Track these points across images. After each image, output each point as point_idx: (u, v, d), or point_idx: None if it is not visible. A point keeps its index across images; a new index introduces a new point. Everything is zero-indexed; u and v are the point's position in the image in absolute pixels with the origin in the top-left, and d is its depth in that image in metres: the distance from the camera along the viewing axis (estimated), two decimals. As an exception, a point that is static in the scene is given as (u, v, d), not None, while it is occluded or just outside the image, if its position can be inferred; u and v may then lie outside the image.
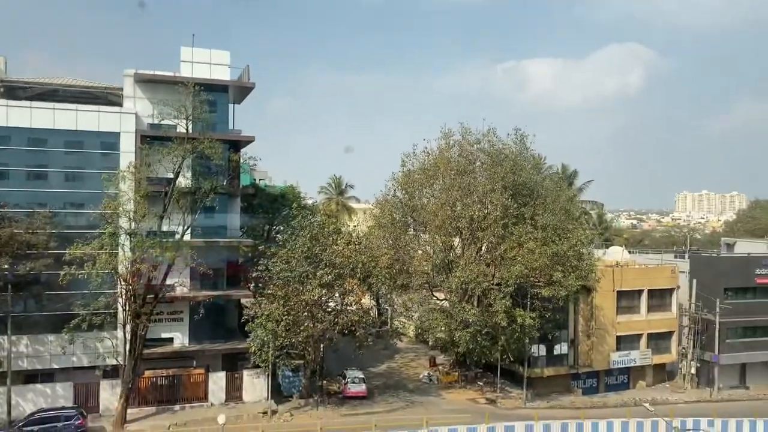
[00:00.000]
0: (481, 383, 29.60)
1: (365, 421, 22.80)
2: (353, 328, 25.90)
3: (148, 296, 22.12)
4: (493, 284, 26.15)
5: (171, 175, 22.58)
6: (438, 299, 28.32)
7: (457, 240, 28.35)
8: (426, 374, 30.54)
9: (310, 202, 34.17)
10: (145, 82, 24.56)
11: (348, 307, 26.12)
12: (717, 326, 30.91)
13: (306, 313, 23.80)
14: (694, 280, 32.38)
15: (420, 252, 29.05)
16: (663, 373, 33.15)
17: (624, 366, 31.30)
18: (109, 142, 23.73)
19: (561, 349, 29.74)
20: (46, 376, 23.39)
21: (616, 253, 35.85)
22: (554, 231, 26.73)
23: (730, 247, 41.31)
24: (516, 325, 25.56)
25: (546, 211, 27.12)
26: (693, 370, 32.42)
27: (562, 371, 29.72)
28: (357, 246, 26.18)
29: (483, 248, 28.01)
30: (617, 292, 30.85)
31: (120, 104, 24.82)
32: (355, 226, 32.98)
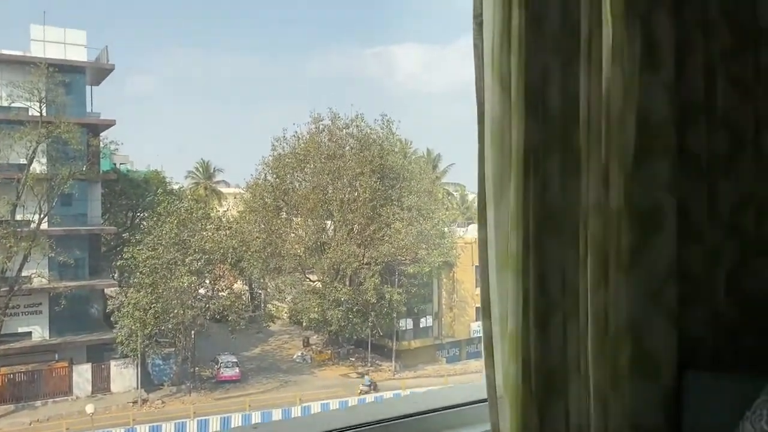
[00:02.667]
0: (353, 359, 31.70)
1: (239, 402, 24.01)
2: (225, 314, 26.70)
3: (2, 289, 21.50)
4: (363, 263, 28.11)
5: (24, 161, 21.95)
6: (311, 281, 29.82)
7: (329, 223, 29.94)
8: (299, 354, 32.07)
9: (176, 187, 33.97)
10: (-10, 60, 23.46)
11: (219, 293, 26.84)
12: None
13: (175, 301, 24.27)
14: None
15: (293, 235, 30.30)
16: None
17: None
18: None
19: (426, 322, 32.58)
20: None
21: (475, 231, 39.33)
22: (419, 212, 29.16)
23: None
24: (385, 301, 27.84)
25: (411, 193, 29.48)
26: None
27: (427, 342, 32.64)
28: (227, 231, 26.90)
29: (354, 229, 29.83)
30: (475, 266, 34.21)
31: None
32: (225, 211, 33.43)
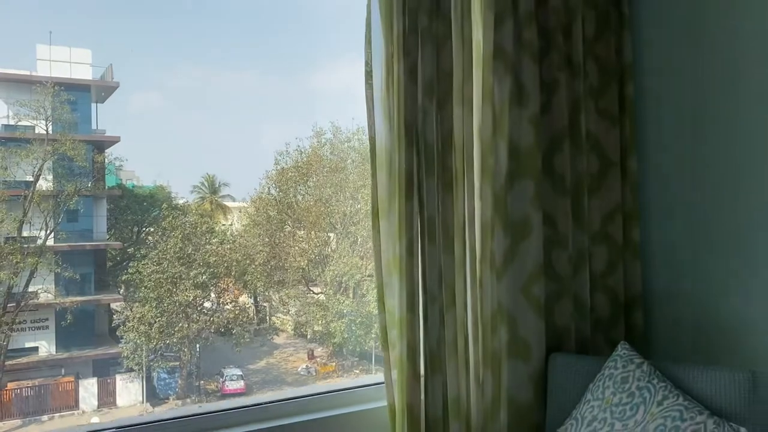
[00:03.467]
0: (357, 371, 31.94)
1: (244, 415, 24.27)
2: (230, 327, 27.15)
3: (9, 305, 22.05)
4: (365, 275, 28.52)
5: (31, 178, 22.60)
6: (314, 293, 30.25)
7: (332, 235, 30.40)
8: (304, 366, 32.38)
9: (182, 201, 34.61)
10: (-3, 80, 24.22)
11: (224, 306, 27.31)
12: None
13: (180, 314, 24.74)
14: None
15: (296, 248, 30.78)
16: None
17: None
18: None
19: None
20: None
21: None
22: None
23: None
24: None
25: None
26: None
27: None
28: (231, 244, 27.43)
29: (357, 241, 30.26)
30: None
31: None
32: (230, 225, 33.99)
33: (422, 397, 2.02)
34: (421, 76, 2.00)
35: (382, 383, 2.10)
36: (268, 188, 33.15)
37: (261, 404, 2.10)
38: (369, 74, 2.00)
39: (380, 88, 1.99)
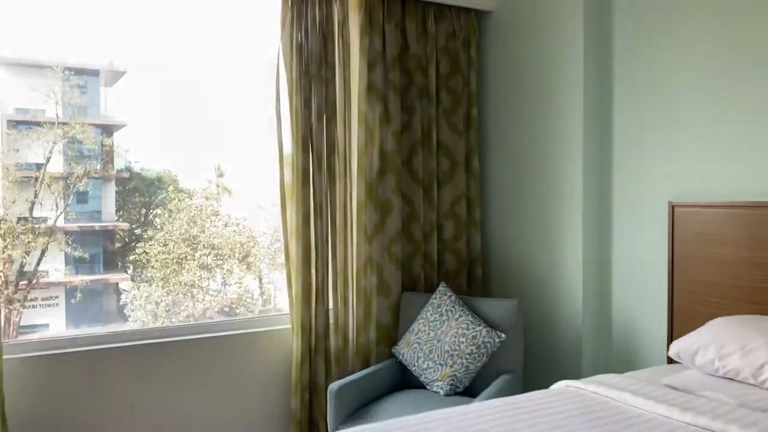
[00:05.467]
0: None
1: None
2: (234, 307, 28.54)
3: (21, 282, 23.51)
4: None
5: (42, 160, 23.96)
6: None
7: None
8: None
9: (188, 185, 35.97)
10: (10, 65, 25.49)
11: (228, 287, 28.71)
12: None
13: (186, 294, 26.16)
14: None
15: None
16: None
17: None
18: (-28, 126, 24.61)
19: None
20: None
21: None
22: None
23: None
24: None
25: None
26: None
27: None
28: (236, 227, 28.77)
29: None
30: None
31: (-19, 87, 25.60)
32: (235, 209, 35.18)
33: (312, 318, 3.12)
34: (313, 105, 3.08)
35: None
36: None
37: (210, 322, 3.21)
38: (277, 101, 3.08)
39: (286, 112, 3.07)
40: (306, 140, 3.09)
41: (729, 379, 2.09)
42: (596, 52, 3.01)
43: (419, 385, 2.96)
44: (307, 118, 3.09)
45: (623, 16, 2.95)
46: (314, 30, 3.08)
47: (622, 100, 2.97)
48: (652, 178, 2.85)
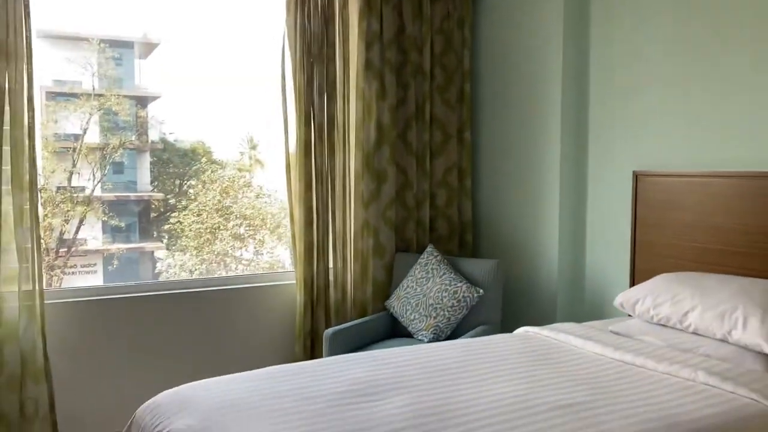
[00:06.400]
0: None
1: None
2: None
3: (61, 249, 24.66)
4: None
5: (79, 131, 24.89)
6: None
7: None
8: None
9: (221, 156, 36.79)
10: (48, 37, 26.32)
11: (260, 256, 29.54)
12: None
13: (219, 263, 27.06)
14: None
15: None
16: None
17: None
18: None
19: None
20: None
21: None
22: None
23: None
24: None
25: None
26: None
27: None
28: (268, 198, 29.48)
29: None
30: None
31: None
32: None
33: (314, 275, 3.52)
34: (315, 82, 3.43)
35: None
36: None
37: (226, 277, 3.64)
38: (283, 78, 3.44)
39: (290, 89, 3.43)
40: (308, 115, 3.45)
41: (662, 325, 2.41)
42: (574, 31, 3.28)
43: (407, 334, 3.34)
44: (309, 95, 3.45)
45: (600, -1, 3.21)
46: (316, 13, 3.42)
47: (598, 78, 3.24)
48: (621, 150, 3.13)
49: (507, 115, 3.66)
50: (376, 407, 1.79)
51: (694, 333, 2.27)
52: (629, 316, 2.68)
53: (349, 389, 1.92)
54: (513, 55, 3.59)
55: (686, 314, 2.29)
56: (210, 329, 3.42)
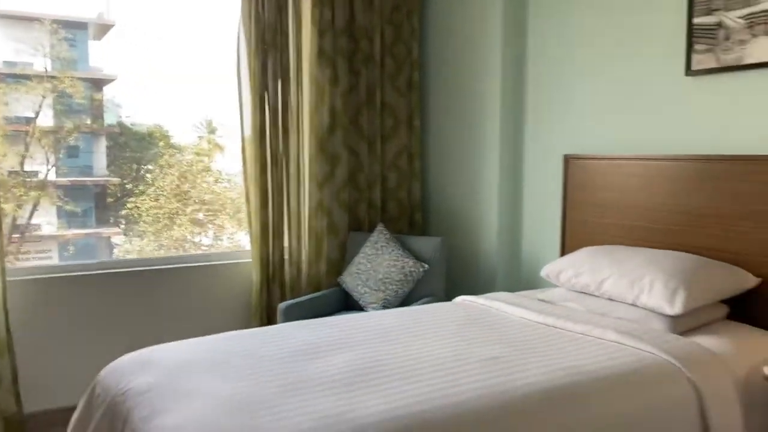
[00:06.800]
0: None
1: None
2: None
3: (14, 235, 24.15)
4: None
5: (31, 114, 24.30)
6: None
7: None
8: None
9: (179, 140, 36.35)
10: (-4, 16, 25.59)
11: (220, 242, 29.40)
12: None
13: (178, 249, 26.86)
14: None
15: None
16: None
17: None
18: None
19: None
20: None
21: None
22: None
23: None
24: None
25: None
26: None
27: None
28: (227, 183, 29.30)
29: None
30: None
31: (-32, 39, 25.74)
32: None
33: (269, 253, 3.71)
34: (269, 68, 3.60)
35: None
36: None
37: (184, 255, 3.80)
38: (239, 66, 3.60)
39: (245, 75, 3.59)
40: (263, 100, 3.62)
41: (582, 293, 2.68)
42: (513, 24, 3.51)
43: (359, 308, 3.56)
44: (264, 81, 3.61)
45: (537, -6, 3.46)
46: (270, 2, 3.58)
47: (534, 69, 3.49)
48: (553, 135, 3.40)
49: (453, 102, 3.89)
50: (318, 364, 2.00)
51: (610, 299, 2.55)
52: (557, 286, 2.95)
53: (296, 349, 2.14)
54: (458, 47, 3.82)
55: (602, 282, 2.56)
56: (169, 305, 3.59)
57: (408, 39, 3.96)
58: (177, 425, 1.60)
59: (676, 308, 2.27)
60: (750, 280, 2.44)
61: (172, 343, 2.25)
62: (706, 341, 2.23)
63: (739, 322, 2.49)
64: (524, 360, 2.03)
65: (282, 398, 1.72)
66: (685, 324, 2.34)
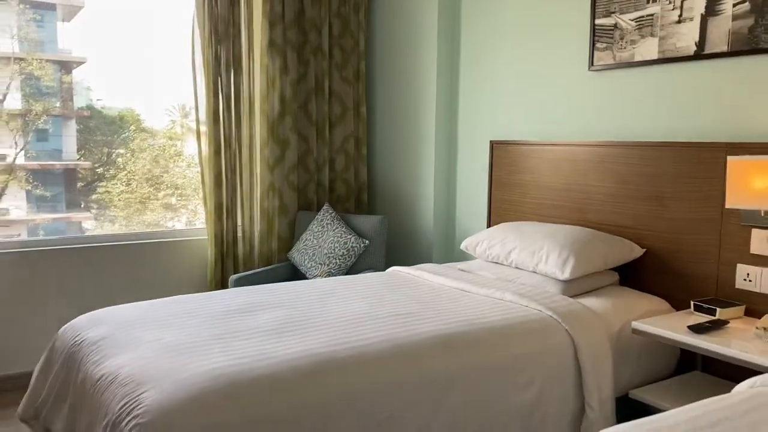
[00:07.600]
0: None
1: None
2: (199, 247, 29.42)
3: (-18, 220, 24.08)
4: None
5: (-1, 97, 24.13)
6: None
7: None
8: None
9: (151, 124, 36.20)
10: (-39, -4, 25.22)
11: (193, 226, 29.49)
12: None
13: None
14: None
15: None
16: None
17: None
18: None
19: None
20: None
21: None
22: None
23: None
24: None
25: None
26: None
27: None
28: (199, 168, 29.33)
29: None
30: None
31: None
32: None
33: (223, 231, 4.01)
34: (222, 58, 3.89)
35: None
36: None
37: (141, 232, 4.10)
38: (193, 55, 3.88)
39: (199, 63, 3.87)
40: (216, 87, 3.91)
41: (495, 262, 3.04)
42: (447, 22, 3.84)
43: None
44: (217, 69, 3.90)
45: (470, -8, 3.78)
46: (223, -4, 3.86)
47: (466, 63, 3.83)
48: (482, 123, 3.74)
49: (396, 92, 4.21)
50: (251, 319, 2.33)
51: (516, 267, 2.91)
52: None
53: (235, 309, 2.46)
54: (400, 40, 4.14)
55: (510, 252, 2.92)
56: (129, 279, 3.88)
57: (355, 31, 4.27)
58: (119, 365, 1.92)
59: (566, 274, 2.63)
60: (636, 251, 2.82)
61: (126, 305, 2.55)
62: (590, 302, 2.60)
63: (628, 288, 2.87)
64: (428, 315, 2.38)
65: (212, 344, 2.04)
66: (576, 288, 2.71)
